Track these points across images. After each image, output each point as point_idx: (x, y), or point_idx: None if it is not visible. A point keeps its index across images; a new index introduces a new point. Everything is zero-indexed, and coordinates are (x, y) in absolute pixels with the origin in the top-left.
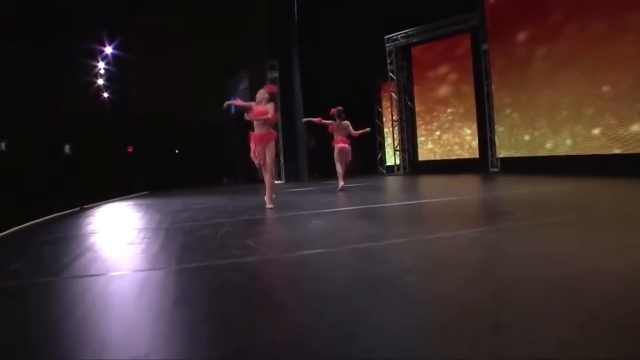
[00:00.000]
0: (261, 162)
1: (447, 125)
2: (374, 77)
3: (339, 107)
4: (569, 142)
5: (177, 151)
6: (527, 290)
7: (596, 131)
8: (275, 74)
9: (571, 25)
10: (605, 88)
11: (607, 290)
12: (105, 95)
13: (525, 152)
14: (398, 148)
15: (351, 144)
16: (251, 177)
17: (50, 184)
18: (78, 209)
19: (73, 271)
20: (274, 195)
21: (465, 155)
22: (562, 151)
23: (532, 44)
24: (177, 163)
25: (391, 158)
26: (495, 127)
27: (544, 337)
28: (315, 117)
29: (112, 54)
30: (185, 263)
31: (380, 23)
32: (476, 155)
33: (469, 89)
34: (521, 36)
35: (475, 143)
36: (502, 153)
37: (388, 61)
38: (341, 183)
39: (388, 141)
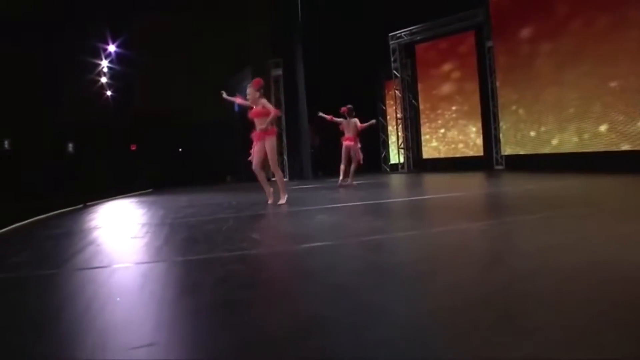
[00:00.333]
0: (255, 161)
1: (451, 123)
2: (377, 75)
3: (349, 106)
4: (575, 138)
5: (180, 149)
6: (545, 279)
7: (603, 127)
8: (279, 72)
9: (576, 21)
10: (613, 84)
11: (628, 277)
12: (109, 93)
13: (531, 149)
14: (402, 146)
15: (360, 142)
16: (254, 175)
17: (53, 182)
18: (81, 206)
19: (75, 264)
20: (285, 196)
21: (470, 153)
22: (568, 148)
23: (537, 40)
24: (180, 161)
25: (395, 156)
26: (500, 124)
27: (567, 325)
28: (327, 114)
29: (115, 52)
30: (190, 255)
31: (384, 21)
32: (481, 152)
33: (473, 86)
34: (526, 32)
35: (479, 141)
36: (507, 150)
37: (392, 59)
38: (341, 179)
39: (392, 139)
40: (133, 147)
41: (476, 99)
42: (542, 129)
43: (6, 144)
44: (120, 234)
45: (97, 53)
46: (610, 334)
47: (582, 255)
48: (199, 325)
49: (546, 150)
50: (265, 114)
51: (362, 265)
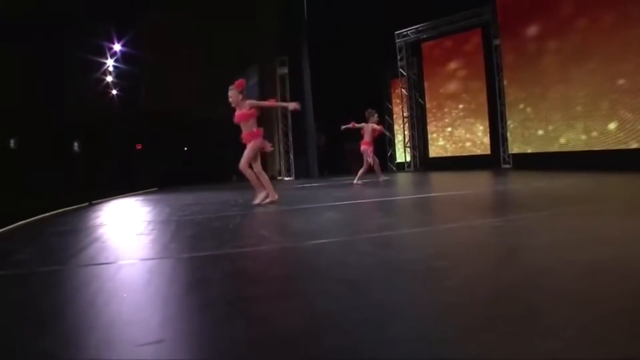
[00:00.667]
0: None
1: (458, 121)
2: (383, 74)
3: (368, 109)
4: (583, 137)
5: (185, 148)
6: (564, 275)
7: (612, 125)
8: (285, 70)
9: (584, 18)
10: (621, 81)
11: None
12: (114, 92)
13: (539, 147)
14: (408, 145)
15: (366, 144)
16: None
17: (58, 181)
18: (86, 204)
19: (80, 260)
20: (264, 193)
21: (477, 152)
22: (576, 146)
23: (544, 37)
24: (186, 160)
25: (401, 155)
26: (508, 122)
27: (588, 322)
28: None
29: (121, 51)
30: (197, 252)
31: (390, 19)
32: (488, 151)
33: (480, 84)
34: (533, 30)
35: (486, 139)
36: (514, 149)
37: (398, 57)
38: (355, 180)
39: (398, 138)
40: (138, 147)
41: (483, 97)
42: (550, 127)
43: (12, 142)
44: (126, 231)
45: (103, 52)
46: (634, 331)
47: (600, 250)
48: (207, 322)
49: (554, 148)
50: (251, 115)
51: (373, 261)
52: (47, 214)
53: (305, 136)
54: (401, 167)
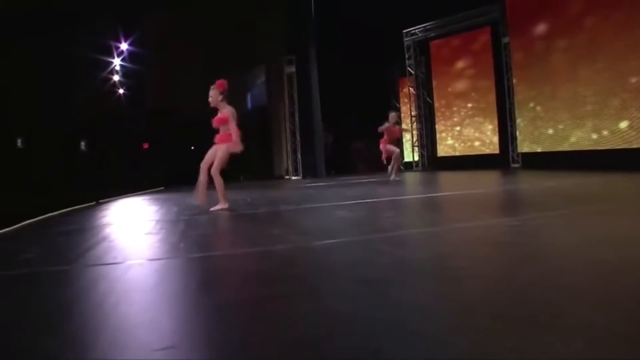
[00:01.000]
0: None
1: (467, 120)
2: (391, 72)
3: (390, 110)
4: (594, 136)
5: (192, 147)
6: (586, 275)
7: (623, 124)
8: (292, 69)
9: (594, 15)
10: (632, 79)
11: None
12: (121, 91)
13: (549, 147)
14: (417, 144)
15: (383, 142)
16: (268, 173)
17: (65, 180)
18: (93, 203)
19: (88, 260)
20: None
21: (486, 151)
22: (586, 145)
23: (554, 35)
24: (193, 160)
25: (409, 154)
26: (517, 121)
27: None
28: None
29: (127, 50)
30: (208, 251)
31: (398, 17)
32: (496, 150)
33: (489, 83)
34: (543, 28)
35: (495, 138)
36: (524, 148)
37: (406, 56)
38: (392, 177)
39: (406, 137)
40: (145, 146)
41: (492, 96)
42: (560, 126)
43: (19, 142)
44: (134, 230)
45: (110, 51)
46: None
47: (621, 250)
48: (220, 325)
49: (564, 147)
50: (224, 120)
51: (390, 261)
52: (54, 213)
53: (312, 135)
54: (409, 166)
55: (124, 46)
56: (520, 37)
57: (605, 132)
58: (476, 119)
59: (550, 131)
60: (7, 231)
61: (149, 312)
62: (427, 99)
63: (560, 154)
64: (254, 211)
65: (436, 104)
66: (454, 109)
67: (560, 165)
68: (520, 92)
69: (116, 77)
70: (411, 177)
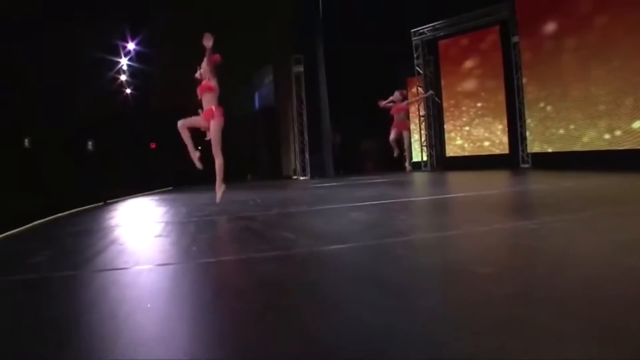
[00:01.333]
0: (188, 122)
1: (476, 120)
2: (400, 72)
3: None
4: (607, 135)
5: (199, 147)
6: (623, 279)
7: (637, 124)
8: (300, 69)
9: (605, 14)
10: None
11: None
12: (128, 91)
13: (560, 147)
14: (425, 144)
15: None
16: (276, 173)
17: (72, 180)
18: (101, 203)
19: (98, 264)
20: (223, 186)
21: (495, 151)
22: (599, 145)
23: (564, 34)
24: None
25: (418, 154)
26: (527, 121)
27: None
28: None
29: (134, 49)
30: (222, 256)
31: (407, 17)
32: (506, 150)
33: (498, 82)
34: (553, 27)
35: (505, 138)
36: (534, 148)
37: (414, 55)
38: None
39: (415, 137)
40: (153, 146)
41: (501, 95)
42: (572, 126)
43: (26, 142)
44: (143, 232)
45: (117, 51)
46: None
47: None
48: (241, 335)
49: (576, 147)
50: (215, 89)
51: (410, 266)
52: (62, 213)
53: (320, 135)
54: (417, 166)
55: (131, 46)
56: (530, 36)
57: (618, 132)
58: (485, 118)
59: (562, 131)
60: (16, 232)
61: (164, 322)
62: (436, 98)
63: (571, 154)
64: (265, 212)
65: (445, 104)
66: (463, 108)
67: (571, 165)
68: (530, 92)
69: (123, 77)
70: (420, 178)
